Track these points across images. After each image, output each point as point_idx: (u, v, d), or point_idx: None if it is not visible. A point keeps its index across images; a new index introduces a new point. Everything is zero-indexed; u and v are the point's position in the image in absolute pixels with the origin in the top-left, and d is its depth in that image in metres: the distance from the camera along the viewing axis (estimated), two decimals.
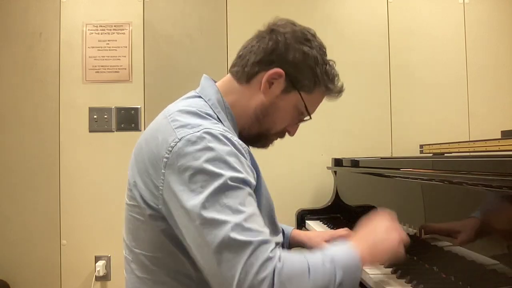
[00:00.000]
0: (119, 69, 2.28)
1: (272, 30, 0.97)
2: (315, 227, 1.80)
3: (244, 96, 0.96)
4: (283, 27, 0.97)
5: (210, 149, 0.78)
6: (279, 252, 0.74)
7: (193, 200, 0.75)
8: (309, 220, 1.95)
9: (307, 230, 1.84)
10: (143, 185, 0.85)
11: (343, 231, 1.30)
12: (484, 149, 1.43)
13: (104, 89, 2.27)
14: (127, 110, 2.27)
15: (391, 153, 2.30)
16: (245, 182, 0.79)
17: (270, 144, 1.04)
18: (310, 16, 2.31)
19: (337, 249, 0.80)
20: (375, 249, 0.85)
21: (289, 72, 0.94)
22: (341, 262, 0.77)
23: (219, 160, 0.77)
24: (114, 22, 2.29)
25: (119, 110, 2.27)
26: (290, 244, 1.28)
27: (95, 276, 2.19)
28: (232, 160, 0.79)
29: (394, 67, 2.32)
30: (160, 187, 0.81)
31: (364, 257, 0.80)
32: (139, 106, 2.27)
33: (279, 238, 1.02)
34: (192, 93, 0.99)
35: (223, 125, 0.90)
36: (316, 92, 0.98)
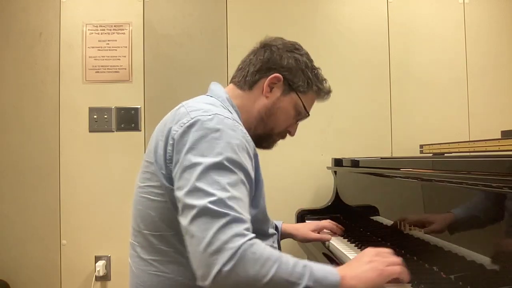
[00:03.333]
0: (119, 69, 2.28)
1: (265, 45, 1.12)
2: None
3: (248, 101, 1.09)
4: (274, 41, 1.12)
5: (217, 130, 0.87)
6: (253, 236, 0.79)
7: (190, 169, 0.83)
8: (309, 220, 1.95)
9: None
10: (158, 160, 0.93)
11: (325, 222, 1.51)
12: (484, 149, 1.43)
13: (104, 89, 2.27)
14: (127, 110, 2.27)
15: (391, 153, 2.30)
16: (241, 167, 0.86)
17: (274, 145, 1.17)
18: (310, 16, 2.31)
19: (318, 264, 0.82)
20: (359, 273, 0.85)
21: (286, 76, 1.09)
22: (316, 273, 0.79)
23: (223, 140, 0.86)
24: (114, 22, 2.29)
25: (119, 110, 2.27)
26: (280, 237, 1.38)
27: (95, 276, 2.19)
28: (234, 143, 0.87)
29: (394, 67, 2.32)
30: (169, 157, 0.90)
31: (345, 277, 0.82)
32: (139, 106, 2.27)
33: (272, 230, 1.12)
34: (203, 95, 1.10)
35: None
36: (309, 92, 1.12)
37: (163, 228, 0.93)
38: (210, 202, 0.78)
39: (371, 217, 1.56)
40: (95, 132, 2.26)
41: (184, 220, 0.81)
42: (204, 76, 2.25)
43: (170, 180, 0.90)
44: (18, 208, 2.23)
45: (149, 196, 0.95)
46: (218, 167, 0.83)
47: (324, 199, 2.12)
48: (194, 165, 0.83)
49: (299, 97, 1.10)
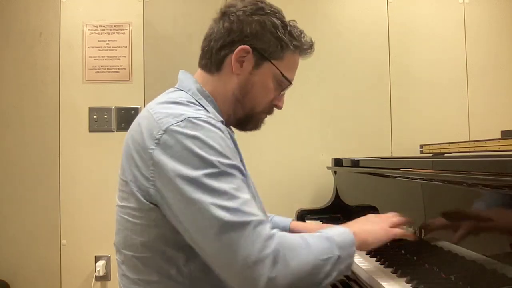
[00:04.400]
0: (119, 69, 2.28)
1: (223, 14, 0.97)
2: None
3: (219, 84, 0.97)
4: (232, 6, 0.96)
5: (195, 137, 0.79)
6: (276, 231, 0.78)
7: (189, 187, 0.76)
8: (309, 220, 1.95)
9: None
10: (134, 181, 0.85)
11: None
12: (484, 149, 1.43)
13: (104, 89, 2.27)
14: (127, 110, 2.27)
15: (391, 153, 2.30)
16: (235, 166, 0.81)
17: (261, 124, 1.04)
18: (310, 16, 2.31)
19: (332, 229, 0.88)
20: (368, 229, 0.96)
21: (254, 45, 0.93)
22: (337, 239, 0.84)
23: (207, 147, 0.78)
24: (114, 22, 2.29)
25: (119, 110, 2.27)
26: None
27: (95, 276, 2.19)
28: (218, 145, 0.80)
29: (394, 67, 2.32)
30: (151, 178, 0.81)
31: (356, 233, 0.89)
32: (139, 106, 2.27)
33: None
34: (171, 89, 1.00)
35: (207, 111, 0.91)
36: (287, 56, 0.97)
37: (145, 251, 0.86)
38: (227, 215, 0.73)
39: None
40: (95, 132, 2.26)
41: (203, 243, 0.76)
42: None
43: (151, 197, 0.82)
44: (18, 208, 2.23)
45: (128, 218, 0.89)
46: (216, 176, 0.76)
47: (324, 199, 2.12)
48: (190, 182, 0.76)
49: (275, 66, 0.95)
